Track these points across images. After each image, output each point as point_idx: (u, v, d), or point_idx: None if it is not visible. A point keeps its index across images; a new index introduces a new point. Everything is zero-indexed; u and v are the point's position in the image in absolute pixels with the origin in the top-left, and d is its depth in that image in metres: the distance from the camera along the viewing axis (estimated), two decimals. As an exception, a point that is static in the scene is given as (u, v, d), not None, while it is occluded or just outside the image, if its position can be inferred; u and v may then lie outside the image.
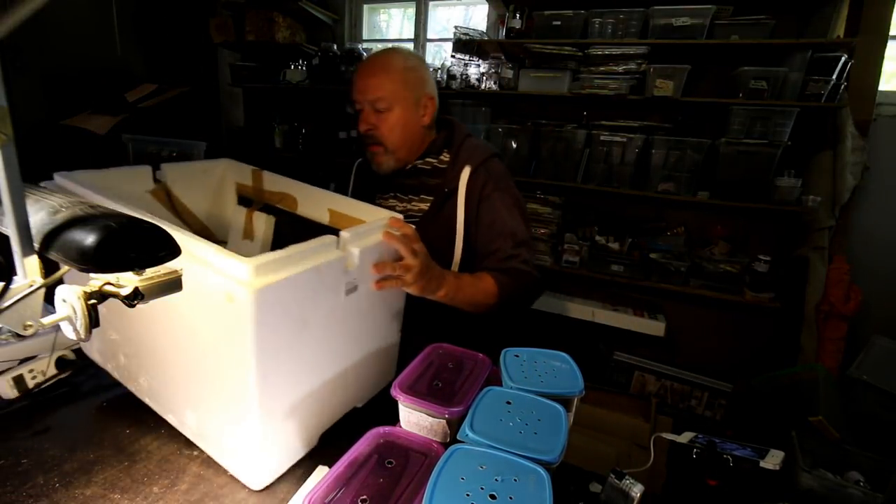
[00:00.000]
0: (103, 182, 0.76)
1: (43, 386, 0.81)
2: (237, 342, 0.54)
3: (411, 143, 1.06)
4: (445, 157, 1.07)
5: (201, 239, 0.56)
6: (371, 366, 0.79)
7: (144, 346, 0.71)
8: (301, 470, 0.68)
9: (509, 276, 0.96)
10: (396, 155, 1.05)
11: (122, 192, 0.72)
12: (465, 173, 1.02)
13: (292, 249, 0.58)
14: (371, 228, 0.72)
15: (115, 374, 0.80)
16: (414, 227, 0.77)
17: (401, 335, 0.86)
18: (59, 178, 0.73)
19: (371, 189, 1.15)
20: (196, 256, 0.55)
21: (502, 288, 0.94)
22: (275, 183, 0.95)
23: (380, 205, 1.12)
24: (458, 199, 1.01)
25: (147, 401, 0.75)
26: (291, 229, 0.93)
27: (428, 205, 1.06)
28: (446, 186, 1.03)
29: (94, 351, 0.83)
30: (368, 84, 1.01)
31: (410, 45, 2.84)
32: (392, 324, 0.83)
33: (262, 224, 0.97)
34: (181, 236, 0.54)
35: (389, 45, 2.87)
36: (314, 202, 0.90)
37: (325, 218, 0.88)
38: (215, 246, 0.55)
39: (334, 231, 0.66)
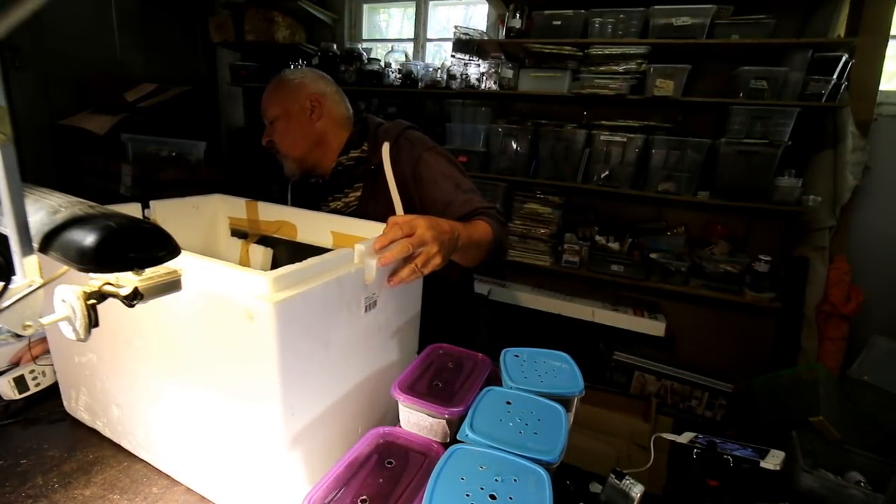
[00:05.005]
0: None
1: (44, 387, 0.81)
2: (258, 365, 0.51)
3: (303, 142, 1.10)
4: (365, 146, 1.12)
5: (211, 258, 0.54)
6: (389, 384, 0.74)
7: (143, 387, 0.64)
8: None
9: (487, 216, 0.94)
10: (292, 156, 1.11)
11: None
12: (386, 148, 1.06)
13: (309, 262, 0.55)
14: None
15: (107, 432, 0.72)
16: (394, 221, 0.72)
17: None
18: None
19: (310, 199, 1.16)
20: (207, 277, 0.53)
21: (492, 227, 0.91)
22: (270, 212, 0.94)
23: (323, 208, 1.14)
24: (385, 172, 1.05)
25: (145, 455, 0.68)
26: (291, 258, 0.88)
27: (361, 191, 1.10)
28: (371, 165, 1.07)
29: (80, 410, 0.75)
30: (261, 105, 1.12)
31: (410, 45, 2.83)
32: (411, 334, 0.80)
33: (260, 256, 0.95)
34: (191, 260, 0.53)
35: (389, 45, 2.87)
36: (314, 226, 0.89)
37: (328, 241, 0.87)
38: (227, 263, 0.53)
39: None
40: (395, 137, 1.07)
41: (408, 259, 0.68)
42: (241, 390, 0.54)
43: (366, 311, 0.64)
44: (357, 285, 0.62)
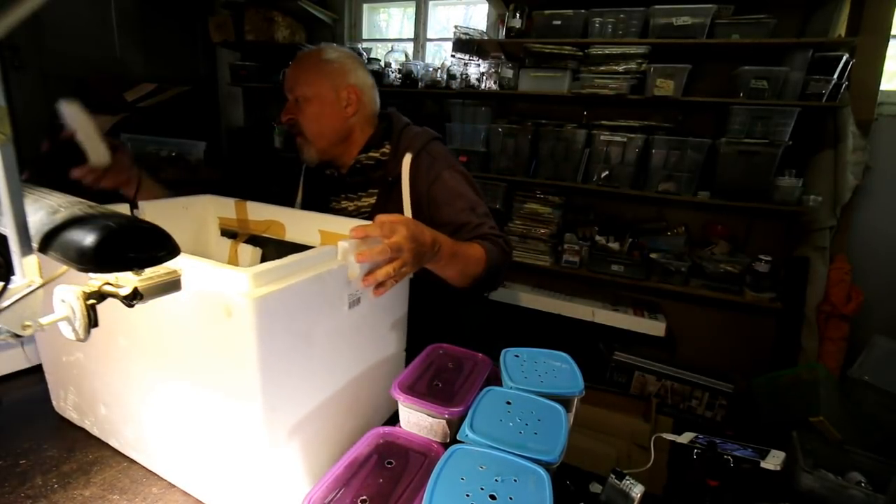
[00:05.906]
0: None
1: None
2: (239, 362, 0.51)
3: (332, 134, 1.06)
4: (387, 148, 1.09)
5: (194, 256, 0.53)
6: (380, 384, 0.75)
7: (130, 386, 0.64)
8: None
9: (490, 242, 0.95)
10: (317, 145, 1.06)
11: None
12: (407, 160, 1.03)
13: (290, 259, 0.55)
14: (371, 238, 0.69)
15: (95, 430, 0.72)
16: (378, 218, 0.70)
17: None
18: None
19: (322, 193, 1.15)
20: (189, 275, 0.51)
21: (488, 253, 0.91)
22: (260, 212, 0.93)
23: (333, 206, 1.13)
24: (402, 186, 1.03)
25: (133, 454, 0.68)
26: (280, 257, 0.89)
27: (375, 198, 1.08)
28: (390, 176, 1.04)
29: (69, 409, 0.75)
30: (288, 77, 1.05)
31: (410, 45, 2.83)
32: (397, 334, 0.80)
33: (248, 256, 0.95)
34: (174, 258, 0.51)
35: (389, 44, 2.87)
36: (303, 226, 0.88)
37: (316, 240, 0.86)
38: (207, 260, 0.53)
39: None
40: (419, 150, 1.04)
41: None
42: (225, 388, 0.54)
43: (349, 307, 0.64)
44: (340, 282, 0.62)
